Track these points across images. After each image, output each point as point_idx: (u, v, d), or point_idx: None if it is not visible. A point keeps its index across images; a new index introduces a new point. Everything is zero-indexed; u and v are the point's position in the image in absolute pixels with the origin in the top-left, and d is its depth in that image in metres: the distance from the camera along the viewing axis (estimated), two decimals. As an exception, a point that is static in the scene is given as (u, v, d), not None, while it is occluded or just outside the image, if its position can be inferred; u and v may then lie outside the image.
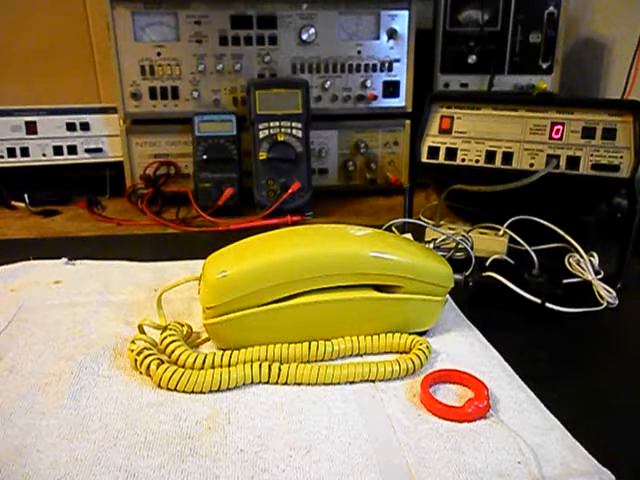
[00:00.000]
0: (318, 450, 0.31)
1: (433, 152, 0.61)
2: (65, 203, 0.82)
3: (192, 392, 0.36)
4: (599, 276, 0.51)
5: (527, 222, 0.54)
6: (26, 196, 0.80)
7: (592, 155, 0.55)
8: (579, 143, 0.56)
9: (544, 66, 0.88)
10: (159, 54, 0.79)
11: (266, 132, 0.76)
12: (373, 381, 0.38)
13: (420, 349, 0.39)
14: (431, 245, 0.57)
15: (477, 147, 0.60)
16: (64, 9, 0.98)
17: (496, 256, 0.54)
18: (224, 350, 0.39)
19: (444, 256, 0.48)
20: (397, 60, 0.84)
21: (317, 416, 0.34)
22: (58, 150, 0.84)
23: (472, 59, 0.87)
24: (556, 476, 0.29)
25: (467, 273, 0.50)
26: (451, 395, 0.36)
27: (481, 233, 0.58)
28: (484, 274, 0.49)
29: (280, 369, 0.37)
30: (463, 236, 0.55)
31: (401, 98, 0.86)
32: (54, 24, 0.99)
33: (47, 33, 0.99)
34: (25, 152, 0.84)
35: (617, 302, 0.49)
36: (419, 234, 0.62)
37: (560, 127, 0.57)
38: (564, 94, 0.95)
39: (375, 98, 0.85)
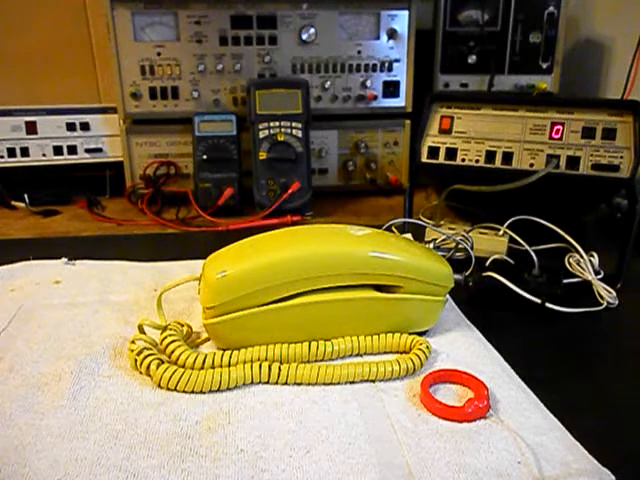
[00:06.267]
0: (318, 450, 0.31)
1: (433, 152, 0.61)
2: (65, 203, 0.82)
3: (192, 392, 0.36)
4: (599, 276, 0.51)
5: (527, 222, 0.54)
6: (26, 196, 0.80)
7: (592, 155, 0.55)
8: (579, 143, 0.56)
9: (544, 66, 0.88)
10: (159, 54, 0.79)
11: (266, 132, 0.76)
12: (373, 381, 0.38)
13: (420, 349, 0.39)
14: (431, 245, 0.57)
15: (477, 147, 0.60)
16: (64, 9, 0.98)
17: (496, 256, 0.54)
18: (224, 350, 0.39)
19: (444, 256, 0.48)
20: (397, 60, 0.84)
21: (317, 416, 0.34)
22: (58, 150, 0.84)
23: (472, 59, 0.87)
24: (556, 476, 0.29)
25: (467, 273, 0.50)
26: (451, 395, 0.36)
27: (481, 233, 0.58)
28: (484, 274, 0.49)
29: (280, 369, 0.37)
30: (463, 236, 0.55)
31: (401, 98, 0.85)
32: (54, 24, 0.98)
33: (47, 33, 0.99)
34: (25, 152, 0.84)
35: (617, 302, 0.49)
36: (419, 234, 0.62)
37: (560, 127, 0.57)
38: (564, 94, 0.95)
39: (375, 98, 0.84)
